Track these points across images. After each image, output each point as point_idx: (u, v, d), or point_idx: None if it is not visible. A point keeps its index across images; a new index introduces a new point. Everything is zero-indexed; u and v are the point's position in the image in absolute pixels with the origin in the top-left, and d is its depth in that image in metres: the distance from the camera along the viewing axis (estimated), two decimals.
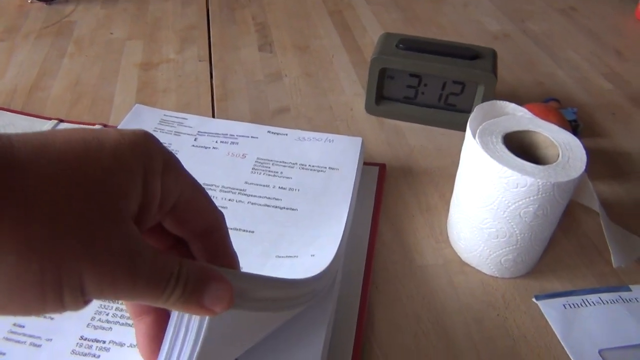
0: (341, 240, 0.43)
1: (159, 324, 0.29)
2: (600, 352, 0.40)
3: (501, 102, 0.49)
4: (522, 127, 0.46)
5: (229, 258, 0.30)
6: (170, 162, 0.26)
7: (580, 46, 0.87)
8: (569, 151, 0.43)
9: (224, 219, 0.30)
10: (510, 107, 0.49)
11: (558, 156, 0.43)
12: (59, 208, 0.20)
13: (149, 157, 0.24)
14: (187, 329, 0.27)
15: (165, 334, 0.27)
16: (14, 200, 0.19)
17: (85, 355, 0.36)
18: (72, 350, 0.36)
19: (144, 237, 0.24)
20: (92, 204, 0.21)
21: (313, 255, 0.43)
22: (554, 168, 0.41)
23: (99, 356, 0.36)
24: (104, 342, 0.37)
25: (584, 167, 0.42)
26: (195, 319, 0.27)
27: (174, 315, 0.27)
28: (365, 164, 0.56)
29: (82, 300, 0.21)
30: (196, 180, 0.28)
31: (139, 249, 0.23)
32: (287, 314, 0.36)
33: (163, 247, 0.30)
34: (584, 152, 0.44)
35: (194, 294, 0.25)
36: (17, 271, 0.19)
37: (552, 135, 0.45)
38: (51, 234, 0.20)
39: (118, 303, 0.40)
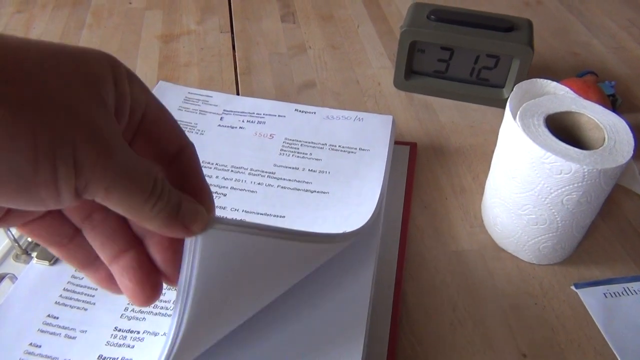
0: (373, 215, 0.42)
1: (142, 258, 0.27)
2: None
3: (542, 80, 0.47)
4: (564, 107, 0.44)
5: (200, 187, 0.28)
6: (132, 74, 0.25)
7: (616, 13, 0.83)
8: (615, 134, 0.41)
9: (194, 148, 0.28)
10: (552, 85, 0.47)
11: (604, 140, 0.41)
12: (43, 84, 0.20)
13: (112, 64, 0.24)
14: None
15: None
16: None
17: (120, 346, 0.36)
18: (107, 342, 0.36)
19: None
20: (76, 87, 0.21)
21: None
22: (600, 153, 0.39)
23: (133, 346, 0.36)
24: (138, 332, 0.37)
25: (632, 152, 0.40)
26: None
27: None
28: (395, 142, 0.54)
29: (74, 180, 0.21)
30: (160, 101, 0.27)
31: (122, 138, 0.23)
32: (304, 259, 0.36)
33: None
34: (631, 135, 0.41)
35: (175, 208, 0.24)
36: (7, 131, 0.19)
37: (596, 116, 0.43)
38: (41, 102, 0.20)
39: None
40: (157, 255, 0.27)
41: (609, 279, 0.44)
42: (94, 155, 0.21)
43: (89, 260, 0.28)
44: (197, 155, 0.28)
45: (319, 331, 0.37)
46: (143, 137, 0.26)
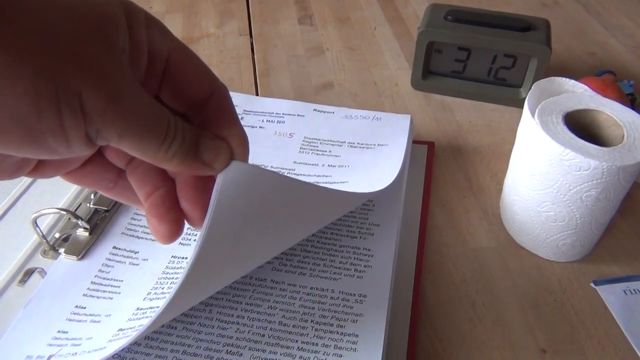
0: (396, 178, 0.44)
1: (167, 195, 0.28)
2: None
3: (560, 78, 0.47)
4: (583, 105, 0.44)
5: (233, 129, 0.27)
6: (153, 19, 0.24)
7: (634, 12, 0.82)
8: (634, 132, 0.41)
9: (226, 90, 0.27)
10: (570, 83, 0.47)
11: (623, 137, 0.41)
12: (49, 26, 0.19)
13: (129, 9, 0.23)
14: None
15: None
16: None
17: (140, 318, 0.36)
18: (128, 319, 0.37)
19: None
20: (84, 30, 0.20)
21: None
22: (619, 150, 0.40)
23: (150, 316, 0.37)
24: (158, 307, 0.38)
25: None
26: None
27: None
28: (413, 142, 0.55)
29: (83, 127, 0.20)
30: (185, 45, 0.26)
31: (136, 83, 0.22)
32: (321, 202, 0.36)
33: None
34: None
35: (192, 146, 0.24)
36: (6, 73, 0.18)
37: (615, 114, 0.43)
38: (45, 44, 0.19)
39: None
40: (182, 193, 0.28)
41: (629, 276, 0.44)
42: (102, 102, 0.20)
43: (135, 198, 0.29)
44: (229, 98, 0.28)
45: None
46: (170, 83, 0.26)
